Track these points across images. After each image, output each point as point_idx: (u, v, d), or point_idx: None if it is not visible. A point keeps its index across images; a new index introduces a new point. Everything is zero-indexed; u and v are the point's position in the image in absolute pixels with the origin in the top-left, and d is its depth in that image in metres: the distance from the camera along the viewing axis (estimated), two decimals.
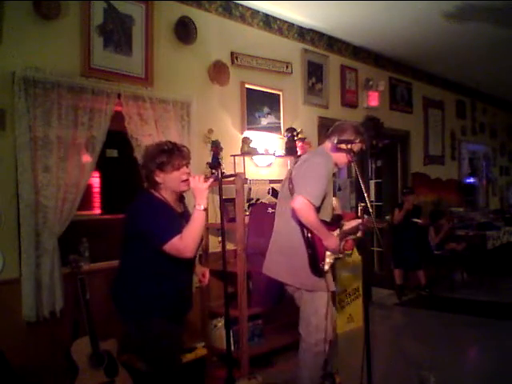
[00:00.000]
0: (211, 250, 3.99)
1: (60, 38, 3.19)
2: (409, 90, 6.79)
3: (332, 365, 3.13)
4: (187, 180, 2.33)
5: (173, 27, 3.83)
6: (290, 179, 2.94)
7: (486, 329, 4.85)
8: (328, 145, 3.00)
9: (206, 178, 2.32)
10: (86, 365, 2.86)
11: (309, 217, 2.75)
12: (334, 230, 2.93)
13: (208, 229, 3.98)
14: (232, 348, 3.45)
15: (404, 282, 6.38)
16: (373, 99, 5.91)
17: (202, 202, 2.26)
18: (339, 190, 5.42)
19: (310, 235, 2.82)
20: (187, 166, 2.37)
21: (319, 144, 5.16)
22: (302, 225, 2.82)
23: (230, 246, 3.85)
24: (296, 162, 3.07)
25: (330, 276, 2.97)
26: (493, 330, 4.79)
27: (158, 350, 2.35)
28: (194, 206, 2.27)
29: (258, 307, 3.83)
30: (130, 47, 3.52)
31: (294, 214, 2.80)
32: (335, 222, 2.99)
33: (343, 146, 2.87)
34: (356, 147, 2.95)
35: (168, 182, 2.32)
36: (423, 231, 6.57)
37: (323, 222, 2.85)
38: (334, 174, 3.06)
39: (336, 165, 3.00)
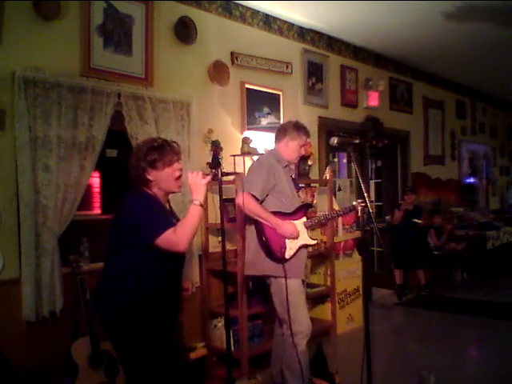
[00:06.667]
0: (211, 250, 3.99)
1: (60, 38, 3.19)
2: (409, 90, 6.79)
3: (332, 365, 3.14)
4: (179, 178, 2.29)
5: (173, 27, 3.83)
6: None
7: (486, 329, 4.85)
8: (276, 146, 3.26)
9: (205, 175, 2.27)
10: (86, 365, 2.86)
11: (249, 206, 2.95)
12: (298, 219, 3.10)
13: (208, 229, 3.98)
14: (232, 348, 3.45)
15: (404, 282, 6.38)
16: (373, 99, 5.91)
17: (199, 197, 2.21)
18: (339, 190, 5.42)
19: (259, 227, 3.02)
20: (179, 162, 2.31)
21: (319, 144, 5.18)
22: (252, 219, 3.04)
23: (229, 246, 3.85)
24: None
25: (297, 263, 3.08)
26: (493, 330, 4.79)
27: (143, 365, 2.21)
28: (191, 202, 2.22)
29: (259, 307, 3.83)
30: (130, 47, 3.52)
31: (240, 210, 3.07)
32: (301, 211, 3.15)
33: (289, 142, 3.16)
34: (301, 141, 3.19)
35: (160, 179, 2.25)
36: (423, 231, 6.57)
37: (280, 212, 3.03)
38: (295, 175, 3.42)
39: (287, 161, 3.19)
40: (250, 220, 3.07)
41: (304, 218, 3.14)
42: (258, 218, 2.99)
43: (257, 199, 2.98)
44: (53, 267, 3.03)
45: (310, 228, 3.18)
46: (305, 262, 3.23)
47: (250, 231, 3.09)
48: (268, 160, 3.14)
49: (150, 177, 2.24)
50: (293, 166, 3.31)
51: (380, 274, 6.77)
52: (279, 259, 2.98)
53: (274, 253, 2.99)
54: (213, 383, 3.57)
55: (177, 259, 2.33)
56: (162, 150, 2.25)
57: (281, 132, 3.24)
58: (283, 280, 2.96)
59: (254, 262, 3.07)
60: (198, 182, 2.24)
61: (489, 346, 4.39)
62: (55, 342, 3.03)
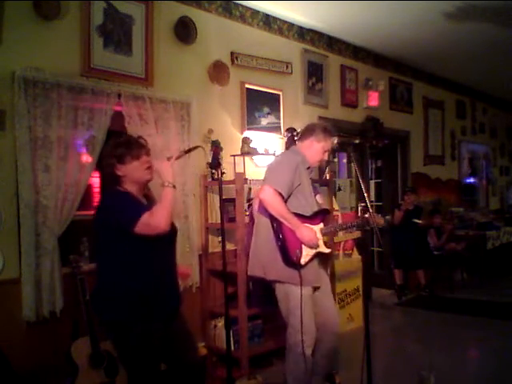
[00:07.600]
0: (211, 250, 3.99)
1: (60, 38, 3.19)
2: (409, 90, 6.79)
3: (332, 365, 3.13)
4: (150, 168, 2.32)
5: (173, 27, 3.83)
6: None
7: (486, 329, 4.85)
8: (299, 144, 3.13)
9: (169, 158, 2.34)
10: (86, 365, 2.86)
11: (274, 204, 2.81)
12: (316, 224, 2.95)
13: (208, 229, 3.98)
14: (232, 348, 3.45)
15: (404, 282, 6.38)
16: (373, 99, 5.91)
17: (168, 178, 2.25)
18: (339, 190, 5.42)
19: (278, 227, 2.85)
20: (147, 155, 2.34)
21: None
22: (271, 217, 2.86)
23: (230, 246, 3.85)
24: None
25: (309, 270, 2.89)
26: (493, 330, 4.79)
27: (139, 361, 2.25)
28: (162, 185, 2.25)
29: (258, 307, 3.83)
30: (129, 47, 3.52)
31: (262, 206, 2.87)
32: (319, 216, 3.01)
33: (314, 143, 3.02)
34: (326, 146, 3.06)
35: (130, 173, 2.27)
36: (423, 231, 6.57)
37: (299, 215, 2.88)
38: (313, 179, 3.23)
39: (309, 163, 3.07)
40: (267, 214, 2.89)
41: (321, 224, 2.98)
42: (279, 218, 2.83)
43: (282, 197, 2.83)
44: (53, 267, 3.03)
45: (324, 235, 3.02)
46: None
47: (266, 228, 2.90)
48: (295, 158, 2.99)
49: (119, 172, 2.27)
50: (313, 172, 3.17)
51: (380, 273, 6.77)
52: (294, 264, 2.81)
53: (289, 257, 2.82)
54: (213, 383, 3.57)
55: (167, 249, 2.36)
56: (129, 145, 2.30)
57: (308, 131, 3.09)
58: (290, 286, 2.83)
59: (269, 266, 2.89)
60: (163, 165, 2.29)
61: (489, 346, 4.38)
62: (55, 342, 3.03)
